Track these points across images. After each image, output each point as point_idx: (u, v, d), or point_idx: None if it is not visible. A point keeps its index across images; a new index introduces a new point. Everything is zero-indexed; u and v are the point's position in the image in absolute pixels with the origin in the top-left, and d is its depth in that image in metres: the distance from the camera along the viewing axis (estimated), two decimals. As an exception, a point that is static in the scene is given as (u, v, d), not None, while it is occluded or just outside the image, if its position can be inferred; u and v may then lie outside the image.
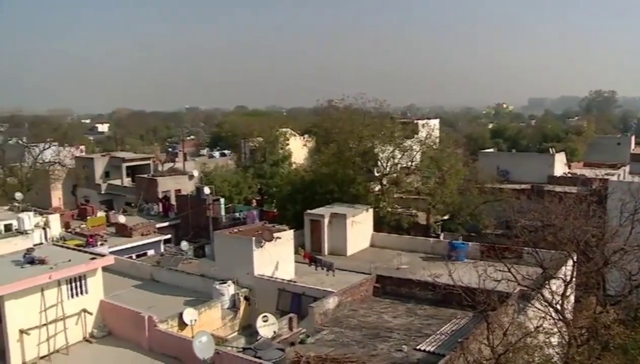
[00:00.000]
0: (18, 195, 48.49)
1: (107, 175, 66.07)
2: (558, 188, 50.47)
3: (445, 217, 48.06)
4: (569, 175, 62.62)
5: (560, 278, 22.15)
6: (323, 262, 32.16)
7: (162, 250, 44.52)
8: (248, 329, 26.10)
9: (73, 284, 21.83)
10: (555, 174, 60.86)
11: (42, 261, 22.01)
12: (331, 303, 25.70)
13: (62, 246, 26.69)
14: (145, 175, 61.02)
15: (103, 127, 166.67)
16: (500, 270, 21.18)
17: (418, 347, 21.46)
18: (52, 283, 20.93)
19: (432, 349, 21.13)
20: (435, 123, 74.09)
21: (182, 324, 23.93)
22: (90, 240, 42.12)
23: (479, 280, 19.70)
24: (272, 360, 18.24)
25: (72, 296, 21.83)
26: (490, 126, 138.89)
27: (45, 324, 20.79)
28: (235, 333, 26.46)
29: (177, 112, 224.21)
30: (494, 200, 46.51)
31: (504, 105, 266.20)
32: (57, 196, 66.22)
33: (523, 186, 53.75)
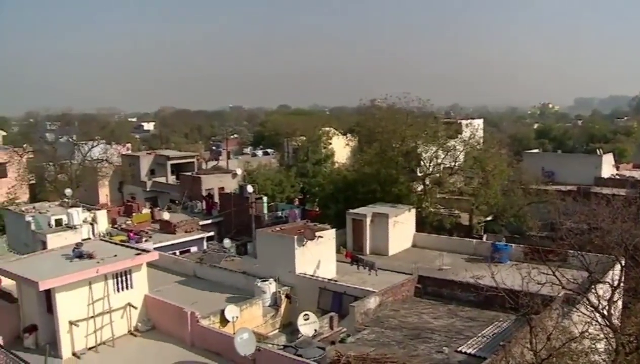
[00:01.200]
0: (68, 191, 49.83)
1: (152, 172, 67.38)
2: (605, 190, 49.21)
3: (489, 218, 47.47)
4: (617, 176, 61.07)
5: (607, 282, 21.64)
6: (365, 261, 32.15)
7: (205, 247, 45.13)
8: (289, 327, 26.28)
9: (119, 278, 22.33)
10: (602, 176, 59.41)
11: (90, 256, 22.60)
12: (372, 302, 25.69)
13: (108, 242, 27.32)
14: (190, 173, 61.98)
15: (148, 126, 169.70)
16: (544, 273, 20.81)
17: (459, 349, 21.28)
18: (99, 277, 21.45)
19: (473, 352, 20.93)
20: (479, 123, 73.20)
21: (224, 321, 24.26)
22: (131, 235, 43.07)
23: (522, 283, 19.40)
24: (313, 358, 18.33)
25: (118, 290, 22.33)
26: (535, 126, 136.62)
27: (92, 317, 21.33)
28: (276, 331, 26.67)
29: (221, 111, 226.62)
30: (539, 201, 45.72)
31: (550, 105, 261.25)
32: (104, 193, 67.85)
33: (569, 187, 52.68)
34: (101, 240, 29.47)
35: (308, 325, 22.49)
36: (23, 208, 44.71)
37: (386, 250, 36.78)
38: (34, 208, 44.46)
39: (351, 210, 38.74)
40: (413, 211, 39.43)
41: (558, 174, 59.28)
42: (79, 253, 22.77)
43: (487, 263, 26.78)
